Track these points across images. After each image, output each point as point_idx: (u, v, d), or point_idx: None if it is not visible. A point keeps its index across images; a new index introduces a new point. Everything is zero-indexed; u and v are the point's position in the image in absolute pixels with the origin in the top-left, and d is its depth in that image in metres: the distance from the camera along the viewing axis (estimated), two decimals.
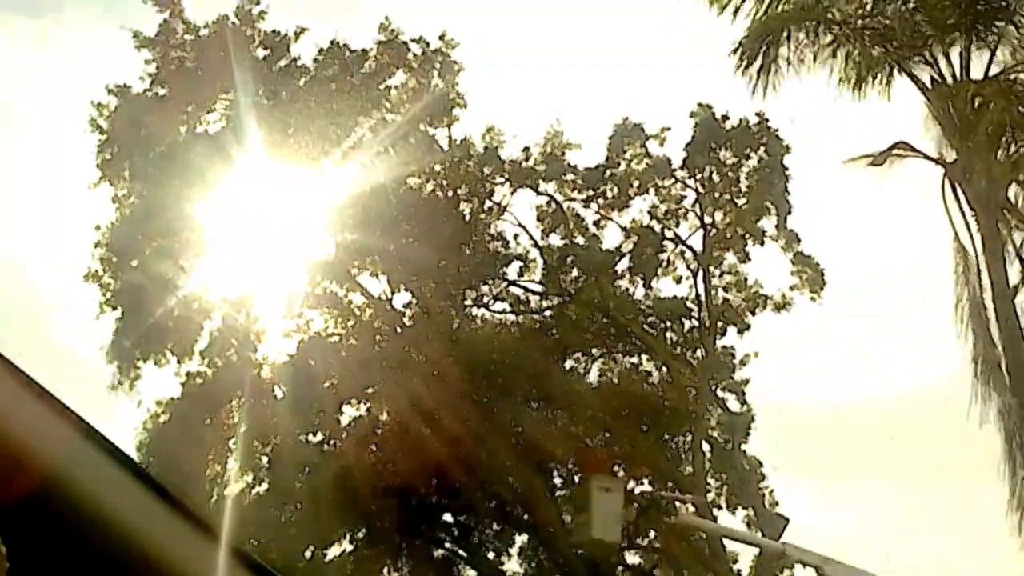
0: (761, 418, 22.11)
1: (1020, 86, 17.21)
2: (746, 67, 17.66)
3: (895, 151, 18.64)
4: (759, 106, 20.73)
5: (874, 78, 17.93)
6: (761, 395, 22.70)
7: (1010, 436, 16.41)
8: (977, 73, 17.45)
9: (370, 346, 21.33)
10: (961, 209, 17.72)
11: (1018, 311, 16.52)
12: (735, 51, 17.70)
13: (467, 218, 22.13)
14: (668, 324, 23.29)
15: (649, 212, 22.98)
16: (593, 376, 23.14)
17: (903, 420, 23.99)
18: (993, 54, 17.41)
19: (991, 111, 16.53)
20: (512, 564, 21.72)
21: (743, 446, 21.84)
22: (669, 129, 22.72)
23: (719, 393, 22.47)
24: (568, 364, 22.83)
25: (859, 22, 17.50)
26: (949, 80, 17.58)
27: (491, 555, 21.70)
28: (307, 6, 25.00)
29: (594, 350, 23.08)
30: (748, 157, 22.56)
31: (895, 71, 17.86)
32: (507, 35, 27.03)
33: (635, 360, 23.21)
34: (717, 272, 23.18)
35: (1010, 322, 16.37)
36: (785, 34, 17.64)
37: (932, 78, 17.84)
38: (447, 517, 21.84)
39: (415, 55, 21.49)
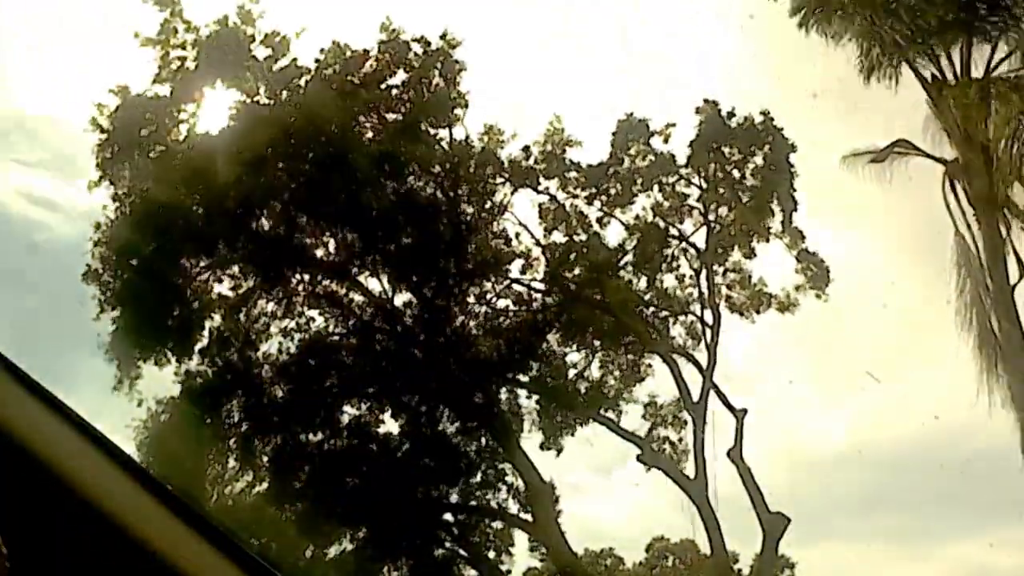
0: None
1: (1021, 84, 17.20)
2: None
3: (896, 148, 18.64)
4: None
5: (890, 66, 17.97)
6: None
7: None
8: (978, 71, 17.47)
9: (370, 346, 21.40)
10: (961, 207, 17.72)
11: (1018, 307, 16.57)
12: None
13: (468, 218, 22.14)
14: (671, 321, 23.31)
15: (653, 209, 22.99)
16: (595, 372, 23.23)
17: None
18: (994, 51, 17.41)
19: (992, 110, 16.52)
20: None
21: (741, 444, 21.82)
22: (674, 125, 22.76)
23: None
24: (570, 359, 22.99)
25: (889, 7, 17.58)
26: (950, 77, 17.58)
27: (491, 555, 21.76)
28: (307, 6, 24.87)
29: (596, 345, 23.15)
30: (753, 154, 22.55)
31: (901, 65, 17.88)
32: (507, 30, 26.97)
33: (636, 357, 23.26)
34: (721, 270, 23.19)
35: (1011, 316, 16.40)
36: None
37: (933, 75, 17.84)
38: (447, 517, 21.91)
39: (416, 54, 21.48)
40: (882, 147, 18.81)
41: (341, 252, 21.61)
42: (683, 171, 22.71)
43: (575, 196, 22.73)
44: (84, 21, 23.81)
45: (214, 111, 21.07)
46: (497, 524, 21.84)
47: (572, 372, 23.11)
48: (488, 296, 22.52)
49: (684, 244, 23.11)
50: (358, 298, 21.73)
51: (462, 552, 21.70)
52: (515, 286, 22.79)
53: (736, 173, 22.71)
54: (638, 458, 22.22)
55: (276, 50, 20.94)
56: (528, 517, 21.32)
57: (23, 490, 1.74)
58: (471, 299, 22.28)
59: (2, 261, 22.64)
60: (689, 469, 21.59)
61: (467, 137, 21.83)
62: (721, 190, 22.78)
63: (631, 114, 22.71)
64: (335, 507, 19.95)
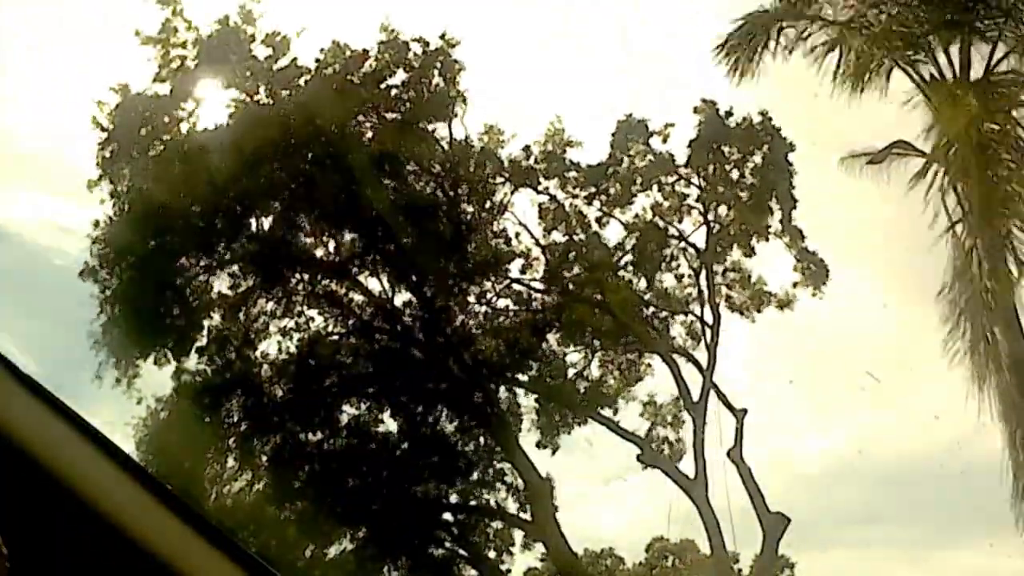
0: None
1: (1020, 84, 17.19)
2: (727, 56, 17.71)
3: (894, 149, 18.59)
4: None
5: (875, 74, 17.88)
6: None
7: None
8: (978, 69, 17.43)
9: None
10: (961, 206, 17.68)
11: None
12: (720, 47, 17.71)
13: (468, 217, 22.15)
14: (670, 320, 23.32)
15: (652, 209, 23.01)
16: (594, 371, 23.25)
17: None
18: (993, 51, 17.38)
19: (992, 109, 16.51)
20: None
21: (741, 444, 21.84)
22: (673, 125, 22.78)
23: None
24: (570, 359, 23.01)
25: (860, 19, 17.46)
26: (949, 78, 17.54)
27: (491, 555, 21.77)
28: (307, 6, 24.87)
29: (595, 344, 23.17)
30: (752, 154, 22.57)
31: (894, 68, 17.80)
32: (507, 30, 26.98)
33: (636, 356, 23.27)
34: (720, 269, 23.20)
35: (1009, 319, 16.37)
36: (775, 30, 17.68)
37: (931, 75, 17.80)
38: (447, 517, 21.91)
39: (415, 54, 21.47)
40: (880, 148, 18.77)
41: (341, 252, 21.62)
42: (682, 171, 22.74)
43: (575, 196, 22.76)
44: (84, 21, 23.79)
45: (214, 110, 21.10)
46: (497, 524, 21.85)
47: (572, 372, 23.17)
48: (488, 296, 22.55)
49: (683, 244, 23.16)
50: (358, 298, 21.75)
51: (462, 552, 21.70)
52: (515, 286, 22.82)
53: (735, 173, 22.75)
54: (638, 458, 22.24)
55: (276, 50, 20.95)
56: (527, 516, 21.33)
57: (23, 490, 1.75)
58: (471, 299, 22.30)
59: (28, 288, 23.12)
60: (689, 469, 21.62)
61: (467, 137, 21.86)
62: (720, 189, 22.81)
63: (630, 114, 22.78)
64: (335, 507, 19.95)
